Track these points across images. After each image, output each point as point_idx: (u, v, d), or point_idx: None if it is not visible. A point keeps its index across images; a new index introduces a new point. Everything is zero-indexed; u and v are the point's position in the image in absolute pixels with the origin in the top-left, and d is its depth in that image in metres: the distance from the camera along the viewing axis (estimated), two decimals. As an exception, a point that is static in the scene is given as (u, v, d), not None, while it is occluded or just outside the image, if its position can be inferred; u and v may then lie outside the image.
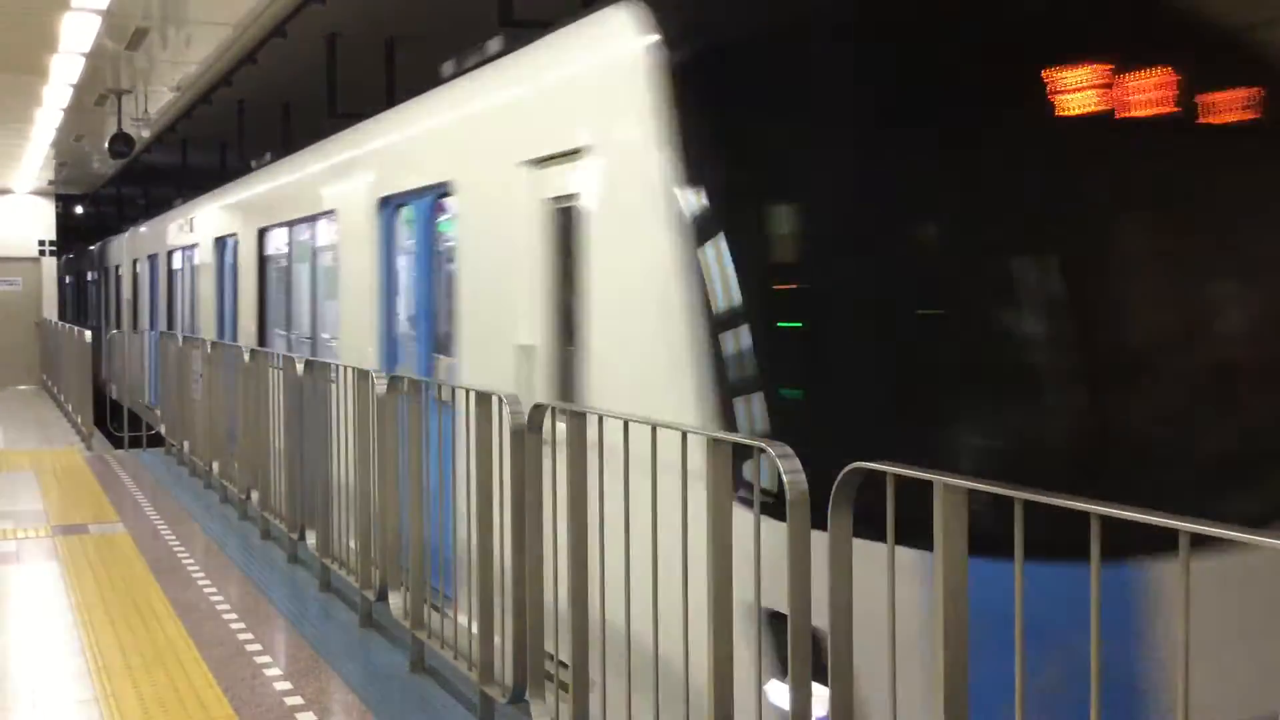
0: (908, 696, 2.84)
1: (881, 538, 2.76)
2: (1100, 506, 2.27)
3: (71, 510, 10.11)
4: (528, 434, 4.56)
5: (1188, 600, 2.12)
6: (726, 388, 4.04)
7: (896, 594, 2.81)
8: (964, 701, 2.62)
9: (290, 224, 10.80)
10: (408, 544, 5.87)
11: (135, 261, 20.43)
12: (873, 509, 2.80)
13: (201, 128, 17.47)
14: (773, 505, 3.26)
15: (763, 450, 3.24)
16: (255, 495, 9.18)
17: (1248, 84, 4.83)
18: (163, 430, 14.01)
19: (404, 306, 7.89)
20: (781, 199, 4.51)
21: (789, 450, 3.15)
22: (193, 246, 15.35)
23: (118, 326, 21.41)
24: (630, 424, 3.96)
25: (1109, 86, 4.49)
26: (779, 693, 3.46)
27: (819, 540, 2.96)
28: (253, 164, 13.74)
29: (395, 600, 6.07)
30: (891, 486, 2.76)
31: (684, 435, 3.64)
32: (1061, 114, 4.45)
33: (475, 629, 5.10)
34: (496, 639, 4.97)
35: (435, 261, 7.20)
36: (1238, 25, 5.07)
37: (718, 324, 4.12)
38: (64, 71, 14.09)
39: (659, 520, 3.79)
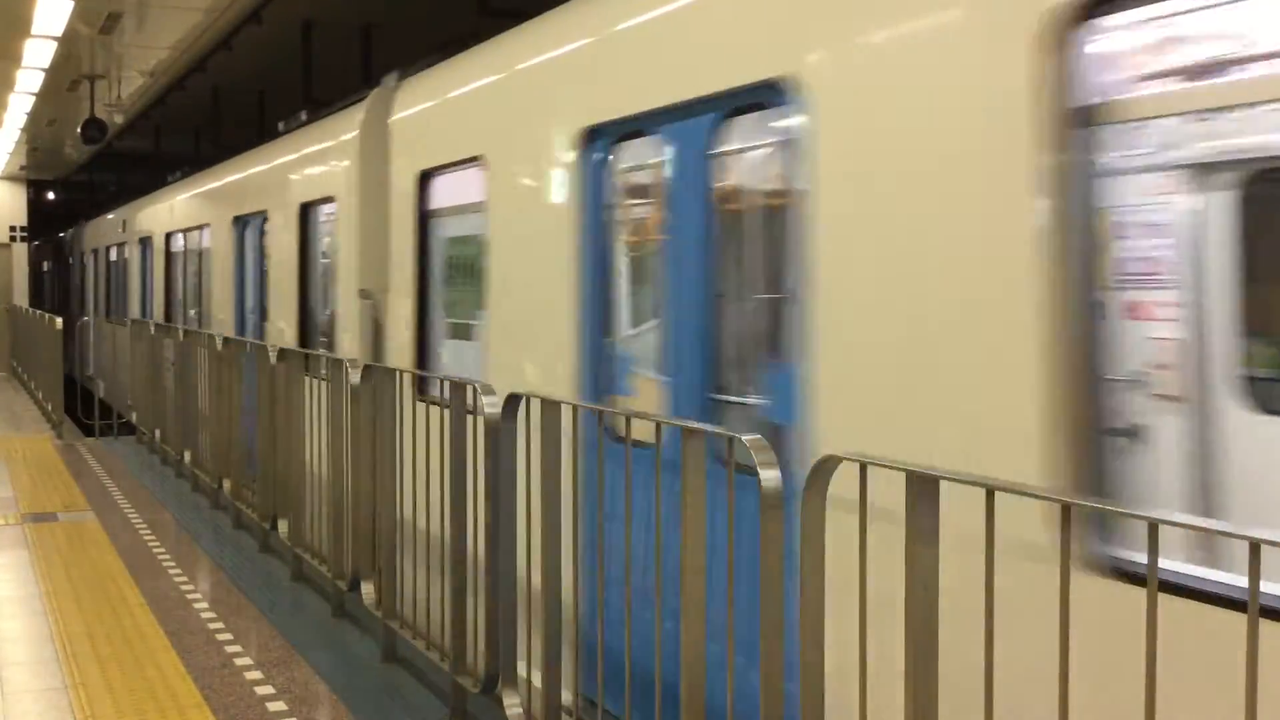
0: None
1: None
2: (1070, 498, 2.28)
3: (41, 498, 10.03)
4: (502, 423, 4.54)
5: (1153, 597, 2.14)
6: None
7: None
8: (933, 691, 2.63)
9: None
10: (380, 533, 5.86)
11: (170, 236, 16.34)
12: None
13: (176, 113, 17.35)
14: None
15: (735, 440, 3.24)
16: (227, 484, 9.14)
17: None
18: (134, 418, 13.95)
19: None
20: None
21: (763, 442, 3.15)
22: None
23: (141, 313, 17.73)
24: (604, 415, 3.96)
25: None
26: None
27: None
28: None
29: (367, 590, 6.06)
30: (863, 475, 2.77)
31: (658, 425, 3.64)
32: None
33: (447, 619, 5.10)
34: (469, 629, 4.97)
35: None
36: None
37: None
38: (36, 56, 13.97)
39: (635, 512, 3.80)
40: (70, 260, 26.73)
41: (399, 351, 7.36)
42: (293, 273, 9.73)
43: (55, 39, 13.03)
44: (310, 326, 9.67)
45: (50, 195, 30.88)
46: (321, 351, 8.22)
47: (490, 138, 6.14)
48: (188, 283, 15.21)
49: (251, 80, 14.74)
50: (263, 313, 11.17)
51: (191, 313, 14.56)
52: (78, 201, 29.31)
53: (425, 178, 7.04)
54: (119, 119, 17.54)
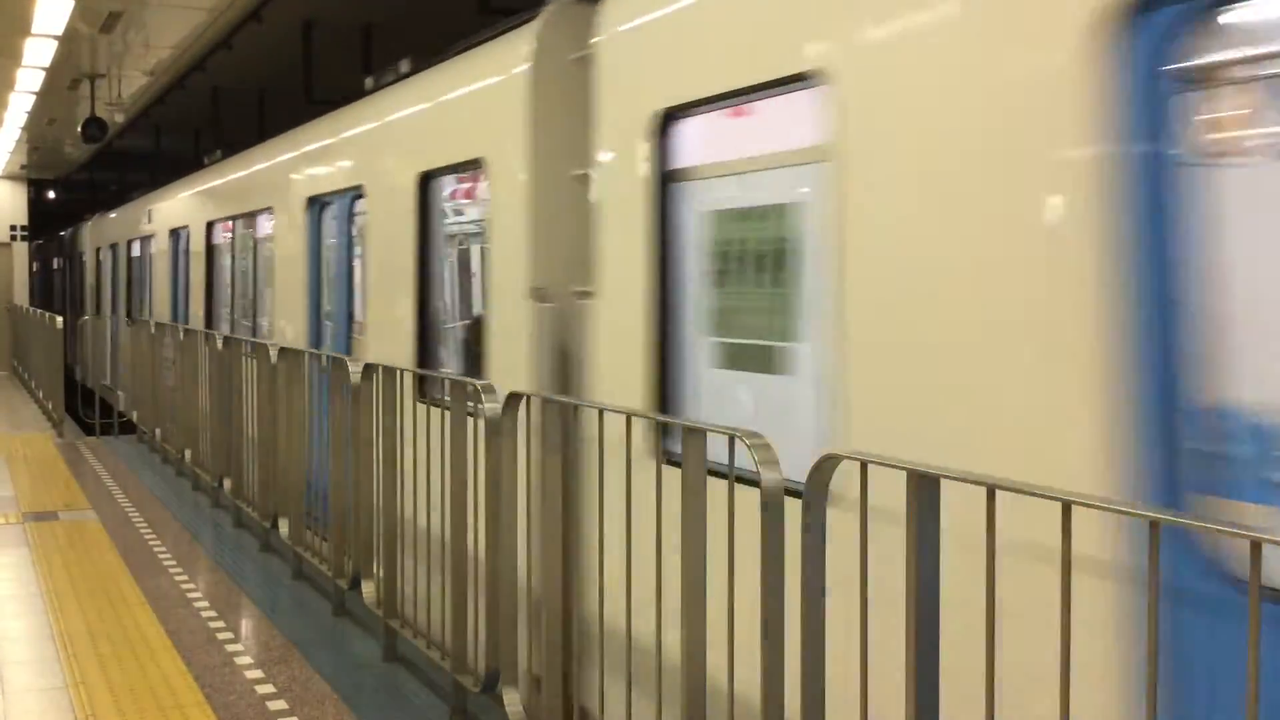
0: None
1: None
2: (1073, 497, 2.28)
3: (42, 497, 10.03)
4: (502, 421, 4.54)
5: (1155, 594, 2.13)
6: None
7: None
8: (934, 693, 2.63)
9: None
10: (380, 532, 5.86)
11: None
12: None
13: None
14: None
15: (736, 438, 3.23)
16: (228, 483, 9.14)
17: None
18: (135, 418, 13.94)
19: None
20: None
21: (764, 440, 3.15)
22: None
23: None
24: (605, 413, 3.96)
25: None
26: None
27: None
28: None
29: (368, 589, 6.06)
30: (863, 474, 2.77)
31: (659, 424, 3.63)
32: None
33: (448, 618, 5.10)
34: (469, 628, 4.97)
35: None
36: None
37: None
38: (36, 54, 13.96)
39: (635, 509, 3.79)
40: (81, 258, 24.70)
41: (617, 383, 4.84)
42: (407, 268, 6.95)
43: (55, 38, 13.02)
44: (432, 342, 6.88)
45: (51, 194, 30.86)
46: (328, 352, 8.11)
47: (842, 40, 3.66)
48: (237, 283, 12.17)
49: (252, 79, 14.73)
50: (350, 321, 8.55)
51: (242, 320, 11.79)
52: (78, 201, 29.30)
53: (671, 120, 4.62)
54: (119, 118, 17.53)
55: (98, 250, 21.86)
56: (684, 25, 4.64)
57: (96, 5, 11.74)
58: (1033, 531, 2.51)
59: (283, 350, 7.65)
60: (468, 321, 6.86)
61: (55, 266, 30.30)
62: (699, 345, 4.55)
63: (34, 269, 30.07)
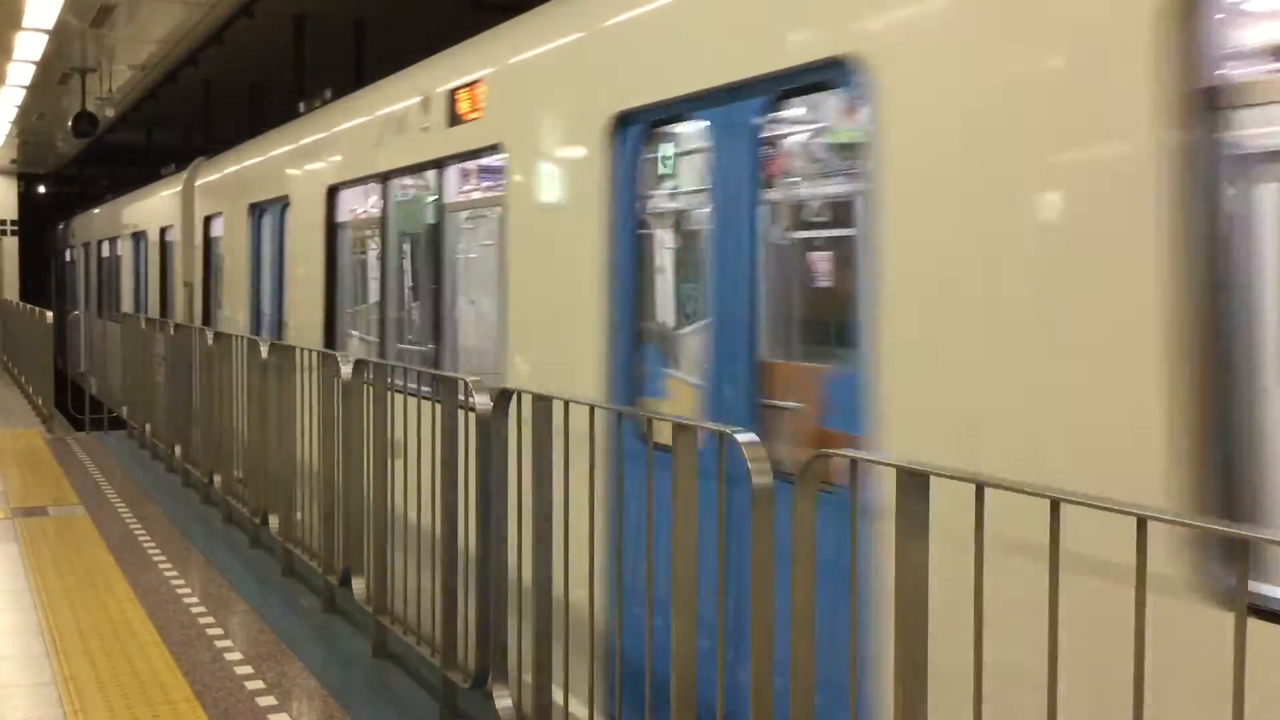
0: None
1: None
2: (1060, 494, 2.29)
3: (31, 492, 10.00)
4: (493, 418, 4.54)
5: (1142, 590, 2.14)
6: None
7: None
8: (923, 688, 2.64)
9: None
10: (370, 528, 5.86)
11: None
12: None
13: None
14: None
15: (726, 436, 3.24)
16: (218, 479, 9.12)
17: None
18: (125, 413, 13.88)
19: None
20: None
21: (755, 438, 3.16)
22: None
23: None
24: (596, 409, 3.96)
25: None
26: None
27: None
28: None
29: (358, 585, 6.05)
30: (853, 470, 2.78)
31: (648, 420, 3.64)
32: None
33: (438, 614, 5.10)
34: (459, 624, 4.97)
35: None
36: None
37: None
38: (27, 48, 13.93)
39: (624, 504, 3.80)
40: (145, 239, 16.21)
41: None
42: None
43: (46, 32, 12.99)
44: None
45: (41, 189, 30.75)
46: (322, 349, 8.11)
47: None
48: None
49: (243, 74, 14.71)
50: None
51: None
52: (69, 195, 29.21)
53: None
54: (110, 113, 17.50)
55: (159, 233, 15.15)
56: None
57: (87, -1, 11.73)
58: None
59: (273, 346, 7.65)
60: None
61: (101, 255, 20.71)
62: None
63: (65, 258, 29.55)
